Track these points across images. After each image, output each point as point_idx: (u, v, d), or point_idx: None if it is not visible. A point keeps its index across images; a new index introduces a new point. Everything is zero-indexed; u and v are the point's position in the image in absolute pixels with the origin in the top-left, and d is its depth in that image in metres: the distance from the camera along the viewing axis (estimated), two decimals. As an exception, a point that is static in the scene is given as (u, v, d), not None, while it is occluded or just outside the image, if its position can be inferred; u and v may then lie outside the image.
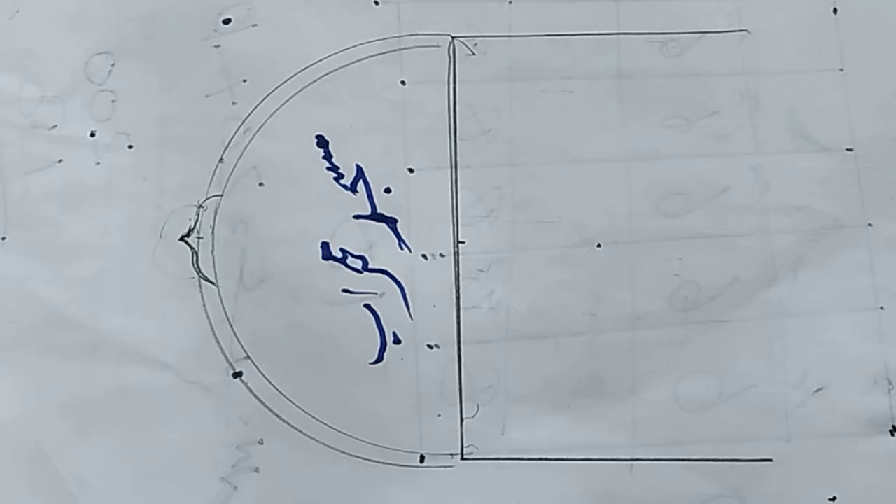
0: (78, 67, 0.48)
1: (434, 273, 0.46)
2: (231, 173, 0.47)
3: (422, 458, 0.45)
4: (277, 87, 0.48)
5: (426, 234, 0.47)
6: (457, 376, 0.45)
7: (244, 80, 0.48)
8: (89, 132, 0.48)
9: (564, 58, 0.48)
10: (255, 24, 0.48)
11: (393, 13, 0.48)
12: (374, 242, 0.47)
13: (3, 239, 0.47)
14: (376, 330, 0.46)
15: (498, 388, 0.45)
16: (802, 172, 0.47)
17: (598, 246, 0.46)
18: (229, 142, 0.47)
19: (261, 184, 0.47)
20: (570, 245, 0.46)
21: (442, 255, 0.46)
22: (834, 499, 0.44)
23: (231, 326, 0.46)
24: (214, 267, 0.46)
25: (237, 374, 0.45)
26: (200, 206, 0.47)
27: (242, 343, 0.46)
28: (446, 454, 0.45)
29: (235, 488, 0.44)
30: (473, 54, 0.48)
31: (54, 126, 0.48)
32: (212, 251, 0.47)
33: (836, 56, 0.47)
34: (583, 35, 0.48)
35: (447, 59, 0.48)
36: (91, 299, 0.46)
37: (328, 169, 0.47)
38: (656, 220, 0.47)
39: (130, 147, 0.48)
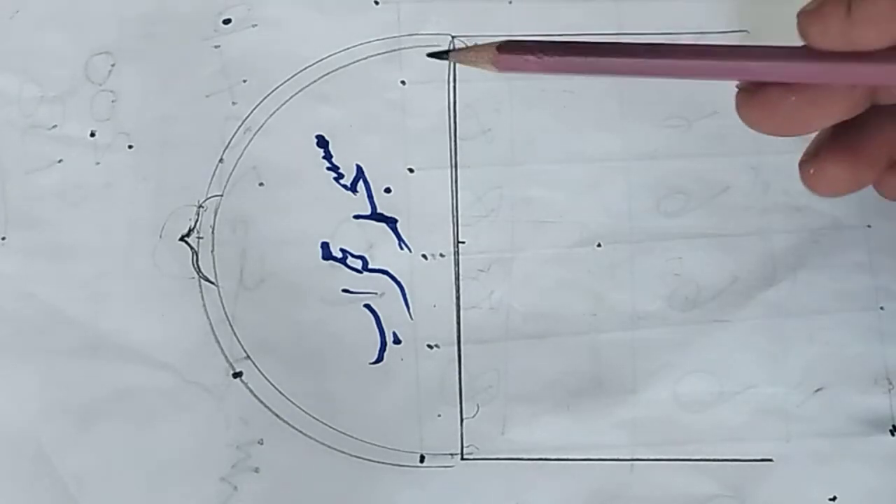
0: (78, 67, 0.48)
1: (434, 273, 0.46)
2: (231, 173, 0.47)
3: (422, 458, 0.45)
4: (277, 87, 0.48)
5: (426, 234, 0.47)
6: (457, 376, 0.45)
7: (244, 80, 0.48)
8: (89, 132, 0.48)
9: (564, 58, 0.48)
10: (255, 24, 0.48)
11: (393, 13, 0.48)
12: (374, 242, 0.47)
13: (3, 239, 0.47)
14: (376, 330, 0.46)
15: (498, 388, 0.45)
16: (802, 172, 0.47)
17: (598, 246, 0.46)
18: (229, 142, 0.47)
19: (261, 184, 0.47)
20: (570, 245, 0.46)
21: (442, 255, 0.46)
22: (834, 499, 0.44)
23: (231, 326, 0.46)
24: (214, 267, 0.46)
25: (237, 374, 0.45)
26: (200, 206, 0.47)
27: (242, 343, 0.46)
28: (446, 454, 0.45)
29: (235, 488, 0.44)
30: (473, 54, 0.48)
31: (54, 126, 0.48)
32: (212, 251, 0.47)
33: (836, 56, 0.47)
34: (583, 35, 0.48)
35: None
36: (91, 299, 0.46)
37: (328, 169, 0.47)
38: (656, 220, 0.47)
39: (130, 147, 0.48)
